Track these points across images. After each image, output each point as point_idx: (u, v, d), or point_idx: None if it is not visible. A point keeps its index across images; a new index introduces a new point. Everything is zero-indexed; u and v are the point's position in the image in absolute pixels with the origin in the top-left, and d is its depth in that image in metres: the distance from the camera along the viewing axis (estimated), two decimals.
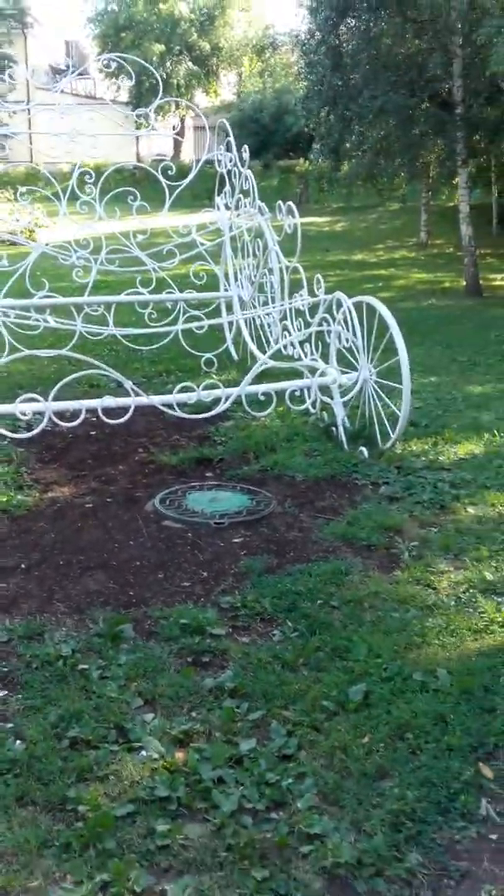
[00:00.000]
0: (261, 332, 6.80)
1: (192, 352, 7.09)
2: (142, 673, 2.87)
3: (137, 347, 7.37)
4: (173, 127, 25.86)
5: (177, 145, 31.36)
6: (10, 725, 2.61)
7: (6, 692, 2.79)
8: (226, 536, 3.99)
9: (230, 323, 7.30)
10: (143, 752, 2.46)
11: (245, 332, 6.71)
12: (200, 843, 2.13)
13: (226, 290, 7.48)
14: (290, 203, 5.78)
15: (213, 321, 6.91)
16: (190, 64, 31.10)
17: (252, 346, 6.44)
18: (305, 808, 2.23)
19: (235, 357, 7.31)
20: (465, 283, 12.92)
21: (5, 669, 2.91)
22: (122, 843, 2.11)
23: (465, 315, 11.17)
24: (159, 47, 30.08)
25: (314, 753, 2.47)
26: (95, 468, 5.00)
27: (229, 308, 7.51)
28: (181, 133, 27.89)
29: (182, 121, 30.18)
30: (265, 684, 2.79)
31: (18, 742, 2.51)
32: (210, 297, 7.52)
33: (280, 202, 5.96)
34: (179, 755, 2.45)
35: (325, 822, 2.18)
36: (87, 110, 7.50)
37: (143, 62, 8.27)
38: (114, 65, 9.34)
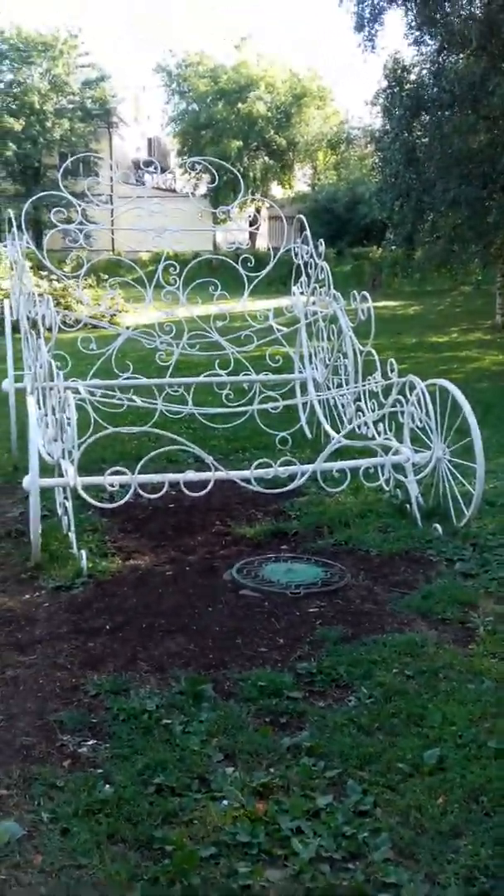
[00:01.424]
0: (334, 413, 7.03)
1: (267, 430, 7.36)
2: (222, 729, 3.02)
3: (214, 426, 7.68)
4: (250, 222, 26.97)
5: (252, 235, 32.67)
6: (100, 771, 2.79)
7: (96, 741, 2.98)
8: (301, 606, 4.14)
9: (304, 404, 7.57)
10: (225, 801, 2.60)
11: (319, 412, 6.96)
12: (281, 885, 2.24)
13: (300, 372, 7.78)
14: (365, 293, 6.09)
15: (288, 402, 7.19)
16: (266, 158, 32.66)
17: (326, 426, 6.68)
18: (381, 860, 2.33)
19: (309, 436, 7.54)
20: None
21: (94, 721, 3.10)
22: (206, 881, 2.25)
23: None
24: (237, 143, 31.73)
25: (389, 811, 2.56)
26: (175, 539, 5.23)
27: (304, 389, 7.79)
28: (258, 224, 29.07)
29: (258, 211, 31.49)
30: (341, 745, 2.90)
31: (108, 786, 2.68)
32: (285, 378, 7.83)
33: (354, 291, 6.27)
34: (259, 806, 2.58)
35: (401, 872, 2.27)
36: (171, 207, 8.04)
37: (223, 163, 8.86)
38: (197, 166, 9.94)
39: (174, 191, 30.72)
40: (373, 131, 15.94)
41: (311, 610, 4.10)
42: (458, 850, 2.37)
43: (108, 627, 3.92)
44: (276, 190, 35.36)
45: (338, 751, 2.87)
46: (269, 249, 7.80)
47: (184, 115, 34.78)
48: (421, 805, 2.56)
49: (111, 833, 2.46)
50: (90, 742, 2.97)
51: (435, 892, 2.22)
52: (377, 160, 15.79)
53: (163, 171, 29.35)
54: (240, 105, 32.63)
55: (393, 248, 15.81)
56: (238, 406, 7.39)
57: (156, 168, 8.91)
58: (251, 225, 16.78)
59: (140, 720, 3.07)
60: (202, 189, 31.53)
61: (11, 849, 2.42)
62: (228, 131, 32.24)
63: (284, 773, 2.78)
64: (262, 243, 29.29)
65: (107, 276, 9.07)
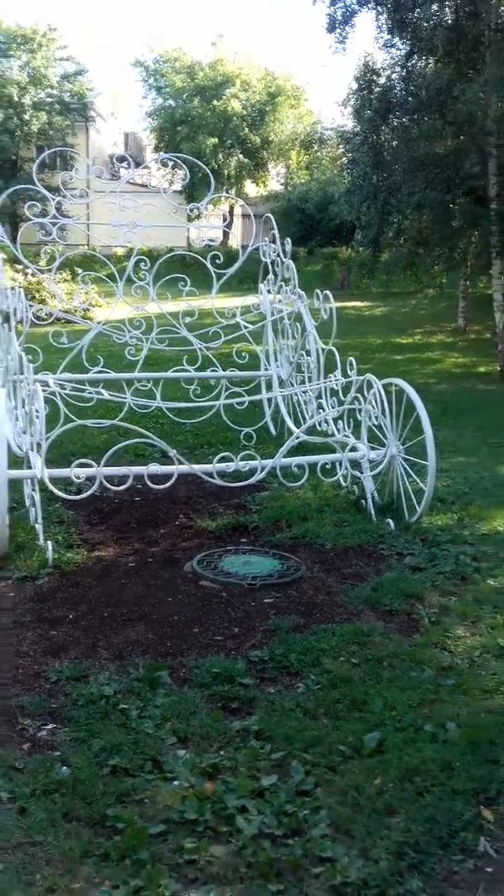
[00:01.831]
0: (298, 410, 7.18)
1: (233, 426, 7.49)
2: (176, 714, 3.15)
3: (182, 421, 7.80)
4: (223, 217, 27.07)
5: (225, 232, 32.76)
6: (57, 753, 2.91)
7: (55, 725, 3.10)
8: (257, 597, 4.29)
9: (269, 400, 7.72)
10: (176, 782, 2.73)
11: (282, 409, 7.12)
12: (224, 860, 2.38)
13: (266, 369, 7.93)
14: (327, 292, 6.25)
15: (253, 398, 7.33)
16: (241, 156, 32.76)
17: (289, 422, 6.84)
18: (319, 836, 2.48)
19: (273, 433, 7.69)
20: (499, 368, 13.28)
21: (54, 706, 3.22)
22: (154, 856, 2.38)
23: (498, 399, 11.47)
24: (212, 140, 31.80)
25: (329, 791, 2.71)
26: (139, 531, 5.35)
27: (269, 386, 7.94)
28: (230, 222, 29.16)
29: (231, 209, 31.57)
30: (288, 729, 3.05)
31: (65, 767, 2.80)
32: (251, 375, 7.97)
33: (318, 290, 6.43)
34: (208, 786, 2.72)
35: (337, 847, 2.43)
36: (144, 203, 8.13)
37: (196, 161, 8.96)
38: (170, 162, 10.00)
39: (150, 186, 30.70)
40: (344, 132, 16.11)
41: (267, 600, 4.25)
42: (391, 827, 2.53)
43: (71, 617, 4.04)
44: (251, 188, 35.49)
45: (284, 734, 3.01)
46: (239, 247, 7.92)
47: (160, 110, 34.76)
48: (359, 785, 2.72)
49: (66, 812, 2.58)
50: (49, 726, 3.09)
51: (368, 865, 2.37)
52: (346, 161, 15.98)
53: (137, 165, 29.26)
54: (215, 102, 32.69)
55: (360, 249, 15.99)
56: (205, 401, 7.51)
57: (129, 164, 8.97)
58: (224, 222, 16.92)
59: (98, 705, 3.20)
60: (177, 185, 31.55)
61: None
62: (204, 128, 32.31)
63: (233, 755, 2.92)
64: (236, 241, 29.43)
65: (80, 271, 9.14)
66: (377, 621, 4.01)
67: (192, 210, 9.53)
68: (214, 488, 5.71)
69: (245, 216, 31.15)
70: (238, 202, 20.28)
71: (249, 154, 33.44)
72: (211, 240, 31.19)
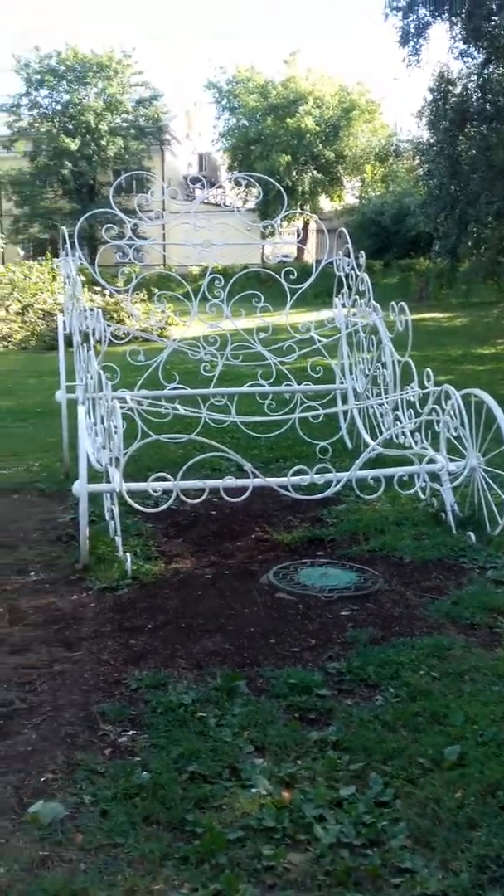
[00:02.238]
0: (374, 423, 7.15)
1: (309, 440, 7.50)
2: (253, 723, 3.17)
3: (257, 435, 7.86)
4: (297, 233, 27.23)
5: (300, 248, 32.93)
6: (137, 759, 2.96)
7: (135, 731, 3.16)
8: (334, 609, 4.28)
9: (345, 413, 7.70)
10: (253, 790, 2.75)
11: (358, 422, 7.09)
12: (302, 867, 2.39)
13: (341, 382, 7.92)
14: (403, 304, 6.22)
15: (328, 410, 7.33)
16: (315, 172, 32.91)
17: (365, 435, 6.80)
18: (398, 847, 2.45)
19: (349, 446, 7.67)
20: None
21: (134, 713, 3.28)
22: (232, 861, 2.40)
23: None
24: (286, 158, 32.05)
25: (409, 803, 2.68)
26: (215, 544, 5.41)
27: (344, 399, 7.93)
28: (304, 238, 29.27)
29: (305, 224, 31.72)
30: (366, 740, 3.03)
31: (145, 773, 2.85)
32: (326, 388, 7.97)
33: (393, 303, 6.40)
34: (285, 794, 2.72)
35: (416, 859, 2.40)
36: (218, 222, 8.26)
37: (268, 179, 9.07)
38: (243, 181, 10.11)
39: (224, 205, 31.14)
40: (419, 143, 16.01)
41: (344, 613, 4.23)
42: (473, 841, 2.48)
43: (149, 626, 4.11)
44: (325, 203, 35.57)
45: (362, 745, 2.99)
46: (314, 262, 7.96)
47: (234, 130, 35.29)
48: (439, 798, 2.68)
49: (146, 815, 2.63)
50: (130, 732, 3.15)
51: (448, 877, 2.34)
52: (422, 173, 15.88)
53: (211, 185, 29.71)
54: (288, 120, 32.97)
55: (438, 260, 15.83)
56: (280, 415, 7.55)
57: (203, 184, 9.10)
58: (298, 238, 17.03)
59: (177, 713, 3.24)
60: (251, 203, 31.90)
61: (55, 828, 2.60)
62: (277, 146, 32.61)
63: (310, 764, 2.92)
64: (311, 256, 29.49)
65: (157, 291, 9.35)
66: (458, 635, 3.95)
67: (265, 227, 9.63)
68: (290, 501, 5.74)
69: (319, 231, 31.26)
70: (312, 218, 20.37)
71: (323, 169, 33.57)
72: (285, 256, 31.34)
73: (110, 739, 3.11)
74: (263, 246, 30.39)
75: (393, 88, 69.24)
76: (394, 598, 4.40)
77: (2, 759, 3.00)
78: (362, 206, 31.00)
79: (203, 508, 5.83)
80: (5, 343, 18.72)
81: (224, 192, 36.22)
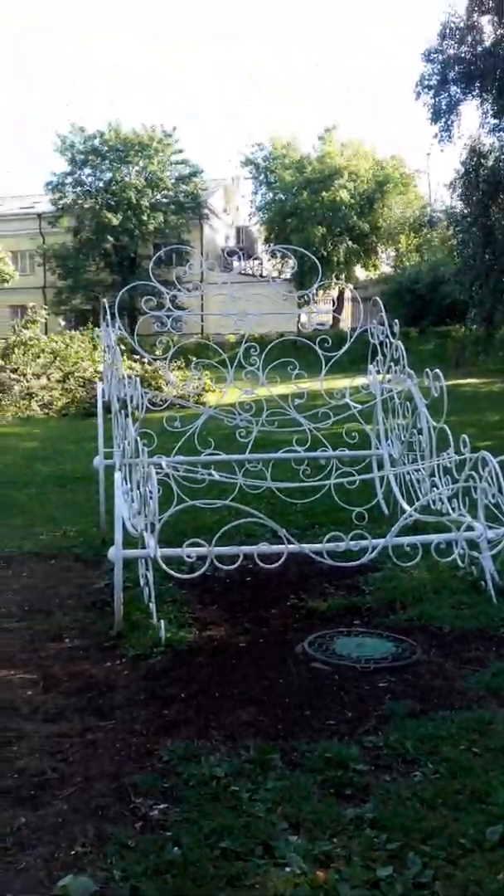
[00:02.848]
0: (411, 489, 7.10)
1: (344, 506, 7.46)
2: (288, 798, 3.09)
3: (292, 501, 7.84)
4: (332, 301, 27.68)
5: (335, 317, 33.36)
6: (169, 833, 2.89)
7: (166, 805, 3.09)
8: (371, 680, 4.19)
9: (381, 480, 7.67)
10: (287, 868, 2.66)
11: (395, 488, 7.05)
12: None
13: (377, 448, 7.91)
14: (437, 371, 6.24)
15: (364, 476, 7.31)
16: (350, 242, 33.57)
17: (402, 502, 6.75)
18: None
19: (386, 512, 7.61)
20: None
21: (166, 785, 3.22)
22: None
23: None
24: (321, 230, 32.80)
25: (449, 885, 2.57)
26: (250, 611, 5.36)
27: (380, 465, 7.90)
28: (339, 307, 29.72)
29: (340, 293, 32.21)
30: (404, 818, 2.93)
31: (176, 848, 2.78)
32: (361, 454, 7.97)
33: (427, 370, 6.43)
34: (320, 874, 2.63)
35: None
36: (254, 292, 8.44)
37: (304, 251, 9.28)
38: (279, 253, 10.28)
39: (260, 276, 31.80)
40: (452, 214, 16.28)
41: (381, 684, 4.14)
42: None
43: (183, 695, 4.06)
44: (360, 272, 36.14)
45: (400, 824, 2.89)
46: (348, 330, 8.06)
47: (270, 204, 36.28)
48: (480, 880, 2.56)
49: (178, 893, 2.56)
50: (161, 805, 3.09)
51: None
52: (456, 242, 16.11)
53: (249, 258, 30.47)
54: (324, 193, 33.82)
55: (474, 327, 15.93)
56: (315, 481, 7.53)
57: (240, 257, 9.33)
58: (333, 307, 17.31)
59: (209, 786, 3.18)
60: (287, 274, 32.53)
61: None
62: (313, 218, 33.41)
63: (346, 843, 2.82)
64: (346, 324, 29.84)
65: (194, 359, 9.52)
66: (500, 708, 3.83)
67: (301, 297, 9.81)
68: (326, 569, 5.68)
69: (354, 300, 31.70)
70: (347, 287, 20.68)
71: (358, 240, 34.23)
72: (321, 324, 31.76)
73: (141, 812, 3.05)
74: (299, 315, 30.96)
75: (427, 161, 70.82)
76: (433, 670, 4.30)
77: (32, 831, 2.95)
78: (397, 275, 31.46)
79: (238, 575, 5.80)
80: (46, 410, 19.09)
81: (261, 264, 37.04)
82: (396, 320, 7.47)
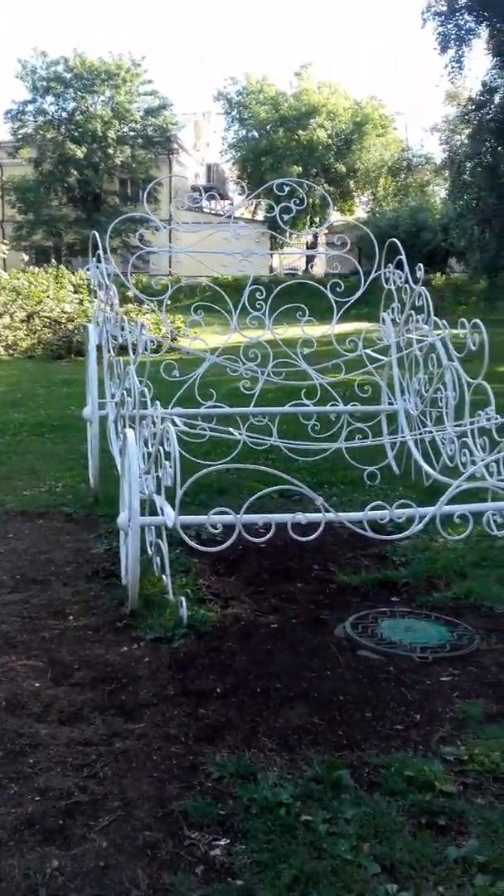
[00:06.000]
0: (429, 449, 6.56)
1: (353, 463, 6.92)
2: (373, 832, 2.58)
3: (296, 457, 7.27)
4: (307, 244, 26.82)
5: (308, 259, 32.47)
6: (239, 883, 2.36)
7: (228, 840, 2.56)
8: (431, 673, 3.69)
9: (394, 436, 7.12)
10: None
11: (415, 452, 6.50)
12: None
13: (390, 402, 7.36)
14: (476, 320, 5.66)
15: (379, 440, 6.76)
16: (326, 185, 32.52)
17: (426, 467, 6.22)
18: None
19: (396, 471, 7.10)
20: None
21: (223, 812, 2.68)
22: None
23: None
24: (297, 169, 31.66)
25: None
26: (273, 584, 4.83)
27: (391, 421, 7.37)
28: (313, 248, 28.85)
29: (315, 237, 31.30)
30: None
31: None
32: (374, 409, 7.41)
33: (463, 319, 5.84)
34: None
35: None
36: (223, 236, 7.68)
37: (312, 184, 8.57)
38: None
39: (230, 217, 30.70)
40: (454, 156, 15.50)
41: (444, 679, 3.64)
42: None
43: (219, 690, 3.52)
44: (336, 216, 35.16)
45: None
46: (323, 275, 7.44)
47: (243, 141, 34.90)
48: None
49: None
50: (222, 842, 2.55)
51: None
52: (452, 187, 15.38)
53: (222, 197, 29.29)
54: (300, 132, 32.59)
55: (473, 275, 15.32)
56: (325, 440, 6.96)
57: (214, 196, 8.54)
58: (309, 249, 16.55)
59: (276, 814, 2.65)
60: (260, 216, 31.48)
61: None
62: (288, 158, 32.21)
63: (456, 893, 2.33)
64: (320, 270, 29.04)
65: (170, 302, 8.77)
66: None
67: (290, 237, 9.08)
68: (346, 536, 5.17)
69: (329, 244, 30.83)
70: (327, 228, 19.86)
71: (335, 182, 33.16)
72: (292, 269, 30.90)
73: (200, 852, 2.51)
74: (272, 257, 29.95)
75: (406, 104, 69.12)
76: (499, 661, 3.81)
77: (69, 879, 2.40)
78: (376, 220, 30.56)
79: (250, 542, 5.21)
80: (11, 351, 18.07)
81: (232, 204, 35.80)
82: (420, 264, 6.83)
